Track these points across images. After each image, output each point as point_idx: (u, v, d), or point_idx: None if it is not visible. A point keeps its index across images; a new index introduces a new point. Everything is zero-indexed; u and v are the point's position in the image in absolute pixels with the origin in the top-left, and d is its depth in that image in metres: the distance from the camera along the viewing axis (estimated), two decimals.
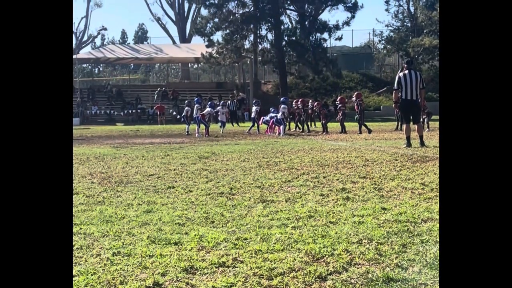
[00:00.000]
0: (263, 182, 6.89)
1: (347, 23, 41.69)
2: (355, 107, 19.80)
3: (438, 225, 4.19)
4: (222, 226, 4.43)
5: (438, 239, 3.78)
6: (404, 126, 12.24)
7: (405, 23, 47.01)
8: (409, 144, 11.60)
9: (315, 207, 5.13)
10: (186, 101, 24.78)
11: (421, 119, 17.19)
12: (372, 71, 50.91)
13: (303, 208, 5.10)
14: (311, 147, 12.46)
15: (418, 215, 4.60)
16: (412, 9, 46.32)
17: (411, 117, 11.87)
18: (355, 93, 20.41)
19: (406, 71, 11.71)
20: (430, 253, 3.44)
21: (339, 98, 21.54)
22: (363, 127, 18.95)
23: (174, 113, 38.85)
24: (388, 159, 9.09)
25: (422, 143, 11.59)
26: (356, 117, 19.50)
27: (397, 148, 11.41)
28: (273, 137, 18.32)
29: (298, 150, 11.81)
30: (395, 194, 5.73)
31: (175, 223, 4.55)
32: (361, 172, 7.53)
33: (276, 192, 6.08)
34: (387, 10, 47.60)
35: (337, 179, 6.95)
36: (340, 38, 43.19)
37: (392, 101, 14.63)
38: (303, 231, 4.17)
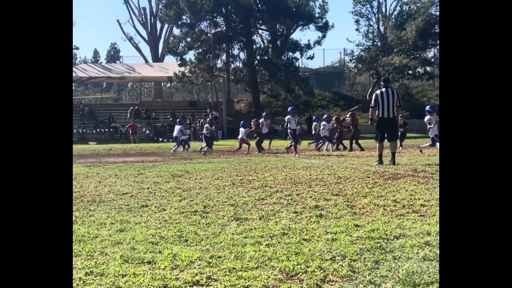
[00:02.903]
0: (237, 200, 6.89)
1: (318, 42, 42.36)
2: (351, 127, 20.06)
3: (409, 241, 4.25)
4: (196, 245, 4.42)
5: (409, 255, 3.82)
6: (378, 144, 12.23)
7: (375, 43, 47.71)
8: (380, 162, 11.66)
9: (289, 224, 5.15)
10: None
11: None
12: (343, 90, 51.47)
13: (277, 225, 5.11)
14: (284, 165, 12.49)
15: (391, 232, 4.65)
16: (382, 28, 47.05)
17: (386, 135, 11.92)
18: (349, 113, 20.37)
19: (383, 89, 11.68)
20: (402, 270, 3.47)
21: (335, 118, 21.53)
22: (355, 145, 19.33)
23: (147, 131, 38.70)
24: (360, 177, 9.16)
25: (393, 161, 11.61)
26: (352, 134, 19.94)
27: (369, 166, 11.50)
28: (249, 154, 18.33)
29: (271, 168, 11.84)
30: (367, 211, 5.78)
31: (149, 242, 4.53)
32: (334, 190, 7.58)
33: (250, 210, 6.09)
34: (357, 29, 48.40)
35: (310, 197, 6.99)
36: (311, 57, 43.89)
37: (366, 118, 14.75)
38: (277, 248, 4.18)
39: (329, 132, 19.47)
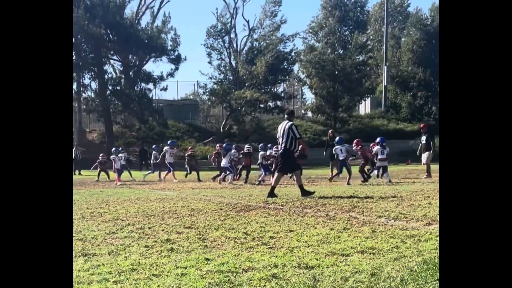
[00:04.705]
0: (86, 234, 6.65)
1: (171, 74, 42.88)
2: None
3: (257, 274, 4.33)
4: None
5: None
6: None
7: (227, 76, 48.57)
8: (271, 194, 11.39)
9: (139, 259, 5.06)
10: (154, 145, 25.37)
11: (370, 169, 17.32)
12: (198, 122, 51.86)
13: (126, 261, 4.99)
14: (137, 197, 12.29)
15: (240, 265, 4.70)
16: (233, 63, 48.11)
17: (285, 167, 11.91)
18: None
19: (283, 122, 11.78)
20: None
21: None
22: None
23: None
24: (213, 209, 9.23)
25: (302, 193, 11.35)
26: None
27: (223, 197, 11.63)
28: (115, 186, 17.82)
29: (124, 200, 11.59)
30: (218, 244, 5.82)
31: None
32: (186, 222, 7.56)
33: (99, 245, 5.90)
34: (210, 63, 48.99)
35: (163, 230, 6.92)
36: (165, 89, 44.19)
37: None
38: (124, 285, 4.08)
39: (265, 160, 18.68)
